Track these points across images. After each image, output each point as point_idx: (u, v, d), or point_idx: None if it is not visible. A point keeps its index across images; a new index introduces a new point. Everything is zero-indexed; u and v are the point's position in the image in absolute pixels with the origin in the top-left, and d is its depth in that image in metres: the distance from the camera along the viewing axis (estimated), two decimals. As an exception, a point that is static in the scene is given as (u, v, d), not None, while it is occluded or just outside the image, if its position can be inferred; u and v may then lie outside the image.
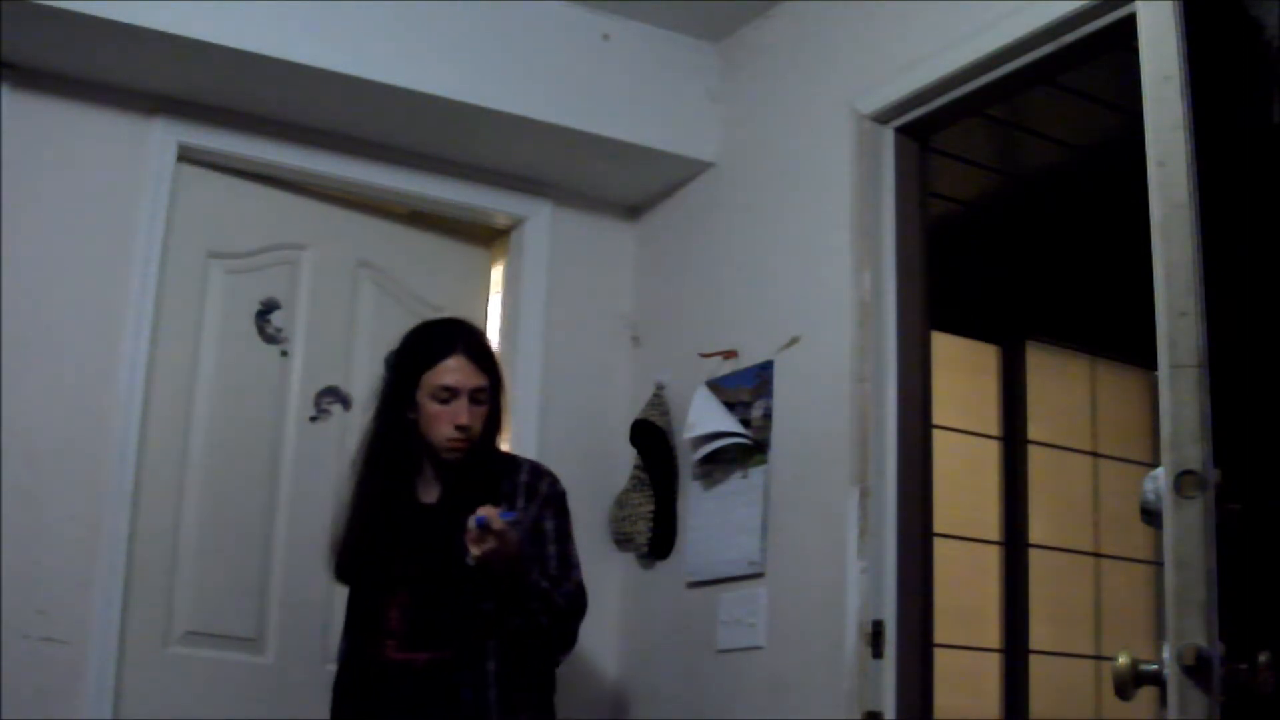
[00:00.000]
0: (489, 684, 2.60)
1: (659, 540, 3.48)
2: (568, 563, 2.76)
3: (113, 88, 3.27)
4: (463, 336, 2.81)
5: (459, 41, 3.35)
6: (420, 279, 3.69)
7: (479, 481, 2.71)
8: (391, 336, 3.58)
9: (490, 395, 2.78)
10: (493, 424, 2.80)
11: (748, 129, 3.55)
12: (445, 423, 2.72)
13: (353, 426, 3.50)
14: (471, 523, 2.50)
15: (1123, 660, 1.46)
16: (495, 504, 2.58)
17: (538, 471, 2.85)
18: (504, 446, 3.56)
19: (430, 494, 2.79)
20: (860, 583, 2.87)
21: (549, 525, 2.77)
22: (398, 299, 3.65)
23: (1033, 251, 4.63)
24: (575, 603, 2.72)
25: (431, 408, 2.73)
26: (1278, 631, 1.41)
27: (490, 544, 2.50)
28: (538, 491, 2.79)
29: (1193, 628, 1.38)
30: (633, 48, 3.59)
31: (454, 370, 2.74)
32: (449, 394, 2.72)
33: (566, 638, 2.73)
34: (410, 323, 3.62)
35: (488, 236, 3.84)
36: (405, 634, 2.66)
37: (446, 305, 3.70)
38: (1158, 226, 1.50)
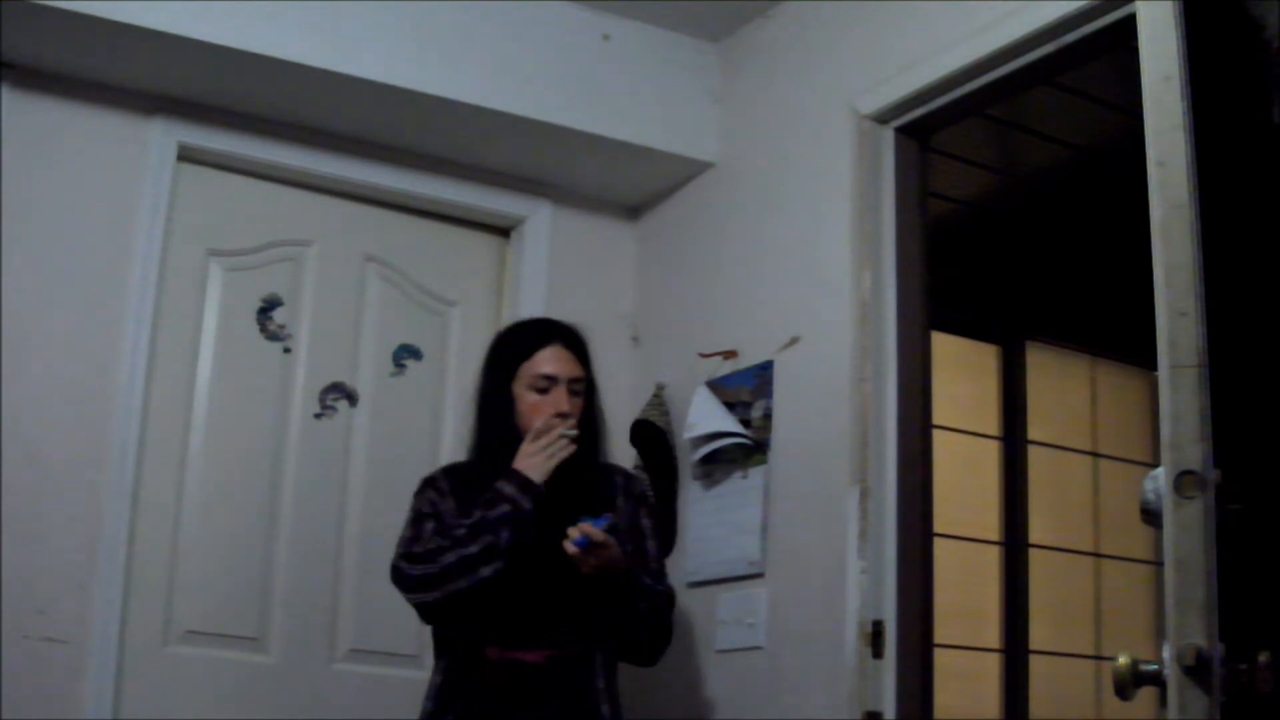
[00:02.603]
0: (596, 672, 2.62)
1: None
2: (662, 560, 2.84)
3: (113, 88, 3.27)
4: (558, 329, 2.81)
5: (459, 41, 3.35)
6: (430, 272, 3.68)
7: (581, 485, 2.70)
8: (399, 330, 3.63)
9: (586, 390, 2.77)
10: (595, 426, 2.79)
11: (748, 129, 3.54)
12: (546, 412, 2.67)
13: (359, 422, 3.52)
14: (571, 546, 2.53)
15: (1123, 660, 1.45)
16: (597, 506, 2.63)
17: (629, 474, 2.93)
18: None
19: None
20: (860, 583, 2.87)
21: (646, 523, 2.82)
22: (406, 293, 3.65)
23: (1033, 251, 4.63)
24: (670, 599, 2.78)
25: (530, 398, 2.71)
26: (1278, 631, 1.41)
27: (595, 559, 2.55)
28: (633, 492, 2.85)
29: (1193, 628, 1.37)
30: (633, 48, 3.59)
31: (552, 359, 2.72)
32: (548, 382, 2.70)
33: (665, 632, 2.76)
34: (419, 316, 3.66)
35: (505, 227, 3.78)
36: (514, 634, 2.60)
37: (458, 299, 3.71)
38: (1158, 226, 1.50)
